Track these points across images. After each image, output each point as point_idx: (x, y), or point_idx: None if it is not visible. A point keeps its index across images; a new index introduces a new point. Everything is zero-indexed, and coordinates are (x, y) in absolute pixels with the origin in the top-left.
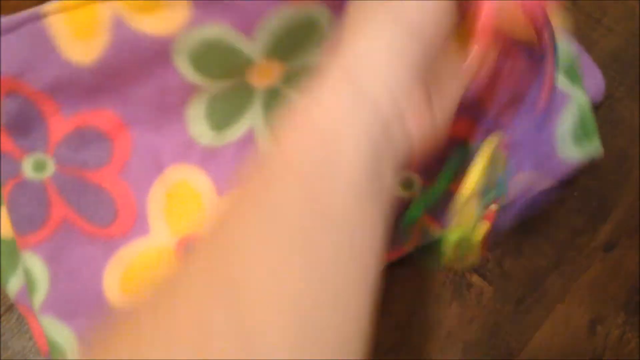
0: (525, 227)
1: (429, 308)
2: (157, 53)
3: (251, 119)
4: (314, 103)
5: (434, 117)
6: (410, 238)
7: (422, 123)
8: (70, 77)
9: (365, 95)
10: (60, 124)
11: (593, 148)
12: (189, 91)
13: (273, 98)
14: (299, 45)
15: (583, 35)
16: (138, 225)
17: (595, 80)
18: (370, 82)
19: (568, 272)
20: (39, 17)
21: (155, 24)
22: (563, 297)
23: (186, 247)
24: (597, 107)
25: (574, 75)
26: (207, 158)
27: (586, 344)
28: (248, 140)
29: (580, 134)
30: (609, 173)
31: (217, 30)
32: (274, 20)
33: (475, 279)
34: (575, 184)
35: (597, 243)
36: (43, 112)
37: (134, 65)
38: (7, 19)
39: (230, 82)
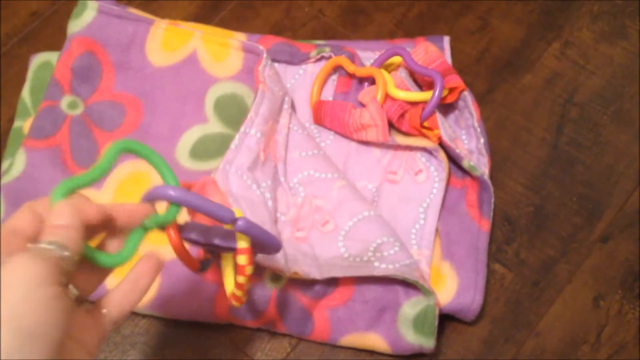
0: (535, 226)
1: None
2: (200, 87)
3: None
4: None
5: None
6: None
7: None
8: (138, 68)
9: None
10: (106, 92)
11: (425, 342)
12: (197, 121)
13: None
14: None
15: (570, 79)
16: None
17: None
18: None
19: (573, 260)
20: (148, 22)
21: (213, 67)
22: (570, 280)
23: None
24: (586, 136)
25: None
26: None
27: (592, 316)
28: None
29: (421, 327)
30: (600, 183)
31: (241, 89)
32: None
33: (497, 266)
34: (574, 192)
35: (595, 236)
36: (102, 74)
37: (181, 87)
38: (125, 11)
39: (228, 129)
